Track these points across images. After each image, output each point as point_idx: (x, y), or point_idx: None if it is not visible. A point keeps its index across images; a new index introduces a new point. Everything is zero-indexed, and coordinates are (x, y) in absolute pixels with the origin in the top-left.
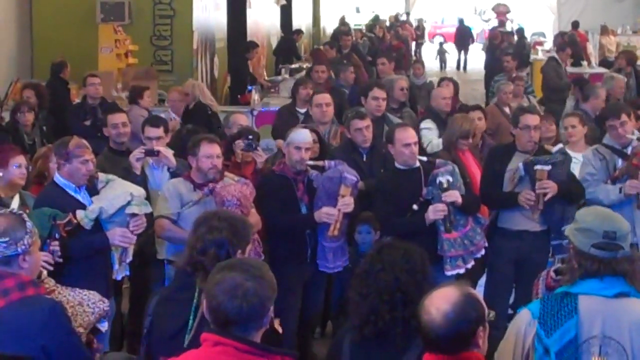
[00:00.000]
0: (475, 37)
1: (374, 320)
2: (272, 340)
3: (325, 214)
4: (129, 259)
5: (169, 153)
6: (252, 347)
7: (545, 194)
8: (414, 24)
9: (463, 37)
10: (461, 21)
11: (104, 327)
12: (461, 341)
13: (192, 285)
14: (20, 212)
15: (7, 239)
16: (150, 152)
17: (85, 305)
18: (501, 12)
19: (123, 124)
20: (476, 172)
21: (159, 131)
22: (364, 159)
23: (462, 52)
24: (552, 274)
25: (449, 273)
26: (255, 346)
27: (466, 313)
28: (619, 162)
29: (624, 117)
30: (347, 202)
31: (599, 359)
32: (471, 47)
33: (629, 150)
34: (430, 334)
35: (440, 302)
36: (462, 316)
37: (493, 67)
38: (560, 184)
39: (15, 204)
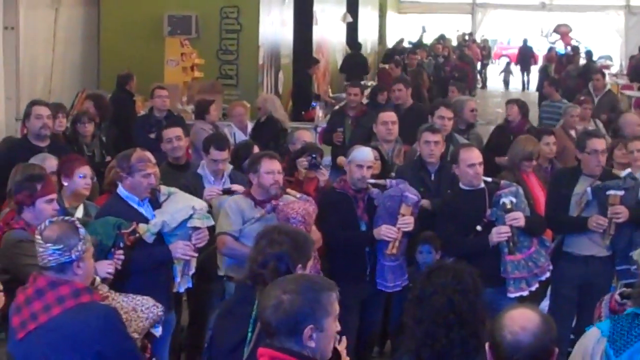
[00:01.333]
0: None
1: (430, 344)
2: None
3: (385, 231)
4: (192, 271)
5: (241, 189)
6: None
7: (617, 219)
8: (480, 44)
9: (525, 58)
10: (525, 41)
11: (158, 332)
12: None
13: (252, 299)
14: (73, 219)
15: (61, 246)
16: (227, 192)
17: (139, 311)
18: (564, 32)
19: (177, 137)
20: (539, 195)
21: (224, 154)
22: (432, 177)
23: (525, 73)
24: (617, 297)
25: (512, 295)
26: None
27: (549, 332)
28: None
29: None
30: (407, 221)
31: None
32: (533, 67)
33: None
34: (517, 353)
35: (524, 322)
36: (548, 335)
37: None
38: (630, 209)
39: (79, 213)
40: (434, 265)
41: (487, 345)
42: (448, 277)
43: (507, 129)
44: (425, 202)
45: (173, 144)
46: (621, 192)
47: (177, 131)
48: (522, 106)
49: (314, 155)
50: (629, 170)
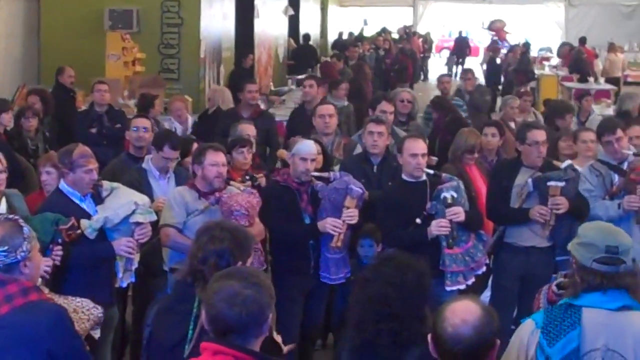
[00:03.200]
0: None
1: (363, 329)
2: (270, 350)
3: (330, 224)
4: (135, 266)
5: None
6: (251, 356)
7: (557, 210)
8: (422, 37)
9: (461, 48)
10: (460, 33)
11: (97, 334)
12: (484, 352)
13: (191, 296)
14: (17, 217)
15: (5, 247)
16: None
17: (80, 312)
18: (498, 28)
19: (144, 128)
20: (482, 187)
21: (177, 153)
22: (374, 170)
23: (460, 64)
24: (554, 288)
25: (449, 288)
26: (254, 355)
27: (490, 324)
28: (616, 178)
29: (619, 132)
30: (351, 214)
31: None
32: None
33: (624, 166)
34: (457, 345)
35: (465, 315)
36: (488, 327)
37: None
38: (571, 201)
39: (2, 208)
40: (387, 254)
41: (429, 336)
42: (390, 269)
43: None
44: (365, 195)
45: (139, 134)
46: (562, 184)
47: (146, 122)
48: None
49: (255, 181)
50: (569, 161)
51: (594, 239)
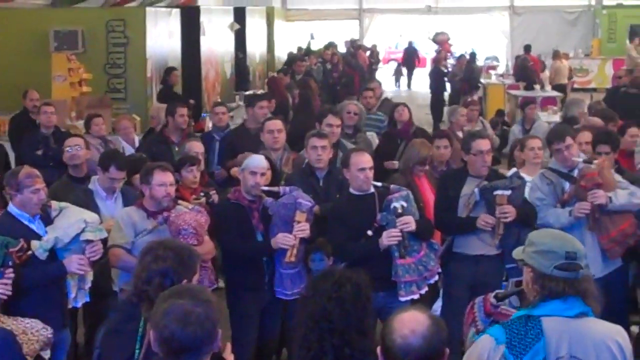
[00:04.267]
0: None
1: (306, 347)
2: None
3: (282, 239)
4: (88, 285)
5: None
6: None
7: (505, 219)
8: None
9: (410, 59)
10: (410, 43)
11: (47, 354)
12: None
13: (137, 316)
14: None
15: None
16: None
17: (30, 334)
18: (442, 41)
19: (76, 146)
20: (430, 198)
21: (124, 174)
22: (321, 183)
23: (409, 75)
24: (492, 300)
25: (403, 299)
26: None
27: (439, 334)
28: (567, 185)
29: (568, 140)
30: (302, 228)
31: None
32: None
33: (575, 173)
34: (407, 356)
35: (414, 325)
36: (438, 337)
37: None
38: (518, 208)
39: None
40: (324, 271)
41: (378, 349)
42: (328, 284)
43: (394, 134)
44: (315, 208)
45: (72, 152)
46: (508, 192)
47: (78, 140)
48: (408, 108)
49: (209, 197)
50: (514, 169)
51: (552, 246)
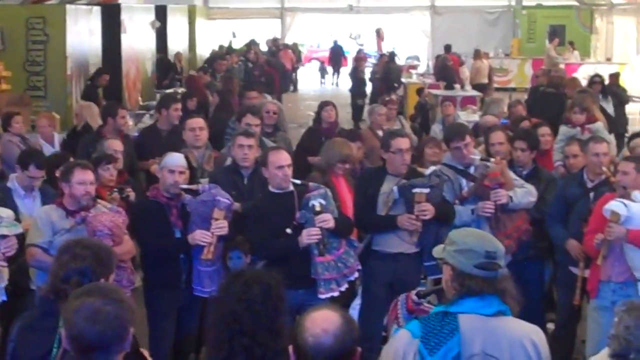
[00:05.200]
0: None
1: (217, 348)
2: None
3: (200, 236)
4: (4, 282)
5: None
6: None
7: (424, 217)
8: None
9: (336, 58)
10: (335, 42)
11: None
12: None
13: (55, 313)
14: None
15: None
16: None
17: None
18: (382, 36)
19: None
20: (347, 198)
21: (43, 172)
22: (245, 182)
23: (336, 74)
24: (413, 297)
25: (322, 296)
26: None
27: (350, 332)
28: (463, 182)
29: (468, 138)
30: (220, 226)
31: None
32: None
33: (471, 170)
34: (319, 355)
35: (325, 324)
36: (349, 335)
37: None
38: (436, 206)
39: None
40: (234, 272)
41: (290, 348)
42: (237, 286)
43: (319, 131)
44: (236, 206)
45: None
46: (427, 190)
47: None
48: (336, 108)
49: (123, 194)
50: (433, 167)
51: (473, 245)
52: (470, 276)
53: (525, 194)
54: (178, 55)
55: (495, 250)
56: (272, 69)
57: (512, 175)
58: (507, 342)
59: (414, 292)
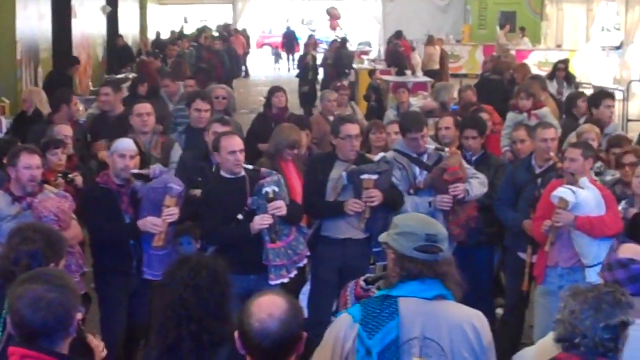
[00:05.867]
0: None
1: (164, 335)
2: (81, 352)
3: (150, 223)
4: None
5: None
6: (58, 358)
7: (371, 203)
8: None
9: (290, 43)
10: (288, 27)
11: None
12: (292, 346)
13: (2, 297)
14: None
15: None
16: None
17: None
18: (334, 16)
19: None
20: (296, 184)
21: None
22: (213, 169)
23: (290, 59)
24: (361, 283)
25: (273, 282)
26: (62, 357)
27: (296, 317)
28: (417, 170)
29: (425, 129)
30: (171, 213)
31: (419, 359)
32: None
33: (424, 158)
34: (265, 340)
35: (271, 309)
36: (295, 320)
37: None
38: (385, 192)
39: None
40: (180, 258)
41: (236, 333)
42: (184, 272)
43: (269, 117)
44: (197, 192)
45: None
46: (374, 176)
47: None
48: (286, 93)
49: (67, 178)
50: (382, 154)
51: (414, 228)
52: (410, 259)
53: (478, 185)
54: (144, 40)
55: (436, 233)
56: (212, 56)
57: (464, 164)
58: (447, 326)
59: (362, 278)
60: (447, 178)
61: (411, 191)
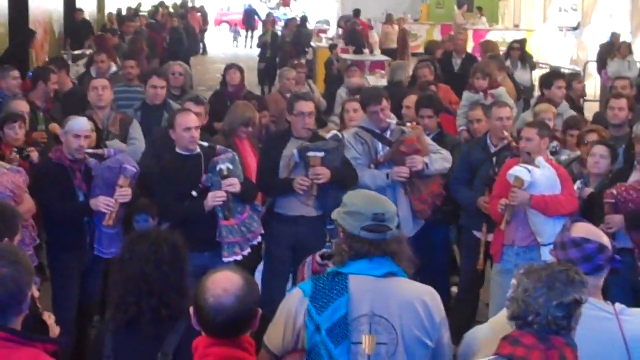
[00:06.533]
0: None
1: (124, 309)
2: (36, 328)
3: (103, 203)
4: None
5: None
6: (12, 334)
7: (318, 180)
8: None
9: (250, 20)
10: (250, 5)
11: None
12: (247, 322)
13: None
14: None
15: None
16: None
17: None
18: None
19: None
20: (252, 162)
21: None
22: None
23: (250, 37)
24: (318, 258)
25: (226, 260)
26: (15, 334)
27: (251, 293)
28: (379, 146)
29: (384, 102)
30: (124, 193)
31: (369, 336)
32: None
33: (387, 134)
34: (220, 315)
35: (226, 285)
36: (250, 296)
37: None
38: (334, 171)
39: None
40: (140, 232)
41: (191, 309)
42: (145, 246)
43: (224, 95)
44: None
45: None
46: (321, 154)
47: None
48: (242, 71)
49: (23, 153)
50: (334, 132)
51: (361, 207)
52: (358, 238)
53: (440, 160)
54: (110, 17)
55: (384, 212)
56: (155, 34)
57: (428, 140)
58: (397, 303)
59: (319, 253)
60: (403, 150)
61: (372, 166)
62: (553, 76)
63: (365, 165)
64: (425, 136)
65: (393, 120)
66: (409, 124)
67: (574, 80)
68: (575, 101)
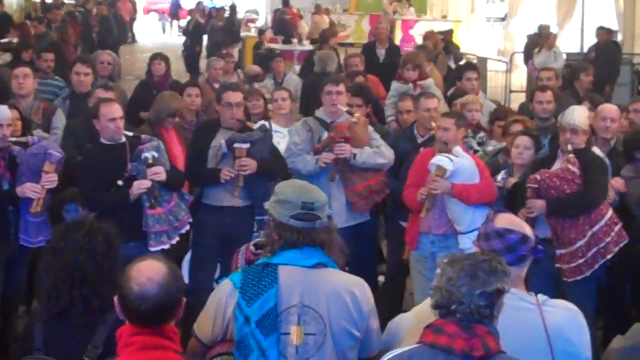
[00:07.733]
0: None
1: (55, 298)
2: None
3: (29, 189)
4: None
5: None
6: None
7: (244, 171)
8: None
9: (175, 10)
10: None
11: None
12: (171, 311)
13: None
14: None
15: None
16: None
17: None
18: None
19: None
20: (178, 151)
21: None
22: None
23: (176, 25)
24: (251, 247)
25: (153, 249)
26: None
27: (175, 281)
28: (325, 134)
29: (342, 86)
30: (50, 179)
31: (298, 327)
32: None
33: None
34: (144, 304)
35: (151, 273)
36: (174, 284)
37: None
38: (261, 162)
39: None
40: (73, 221)
41: (115, 298)
42: (79, 235)
43: (150, 84)
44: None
45: None
46: (246, 145)
47: None
48: (167, 60)
49: None
50: (262, 122)
51: (290, 195)
52: (287, 227)
53: (373, 154)
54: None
55: (313, 201)
56: (74, 22)
57: (372, 134)
58: (325, 294)
59: (252, 242)
60: (332, 135)
61: (311, 153)
62: (464, 68)
63: (305, 151)
64: (368, 129)
65: (344, 108)
66: (356, 114)
67: (582, 72)
68: (580, 93)
